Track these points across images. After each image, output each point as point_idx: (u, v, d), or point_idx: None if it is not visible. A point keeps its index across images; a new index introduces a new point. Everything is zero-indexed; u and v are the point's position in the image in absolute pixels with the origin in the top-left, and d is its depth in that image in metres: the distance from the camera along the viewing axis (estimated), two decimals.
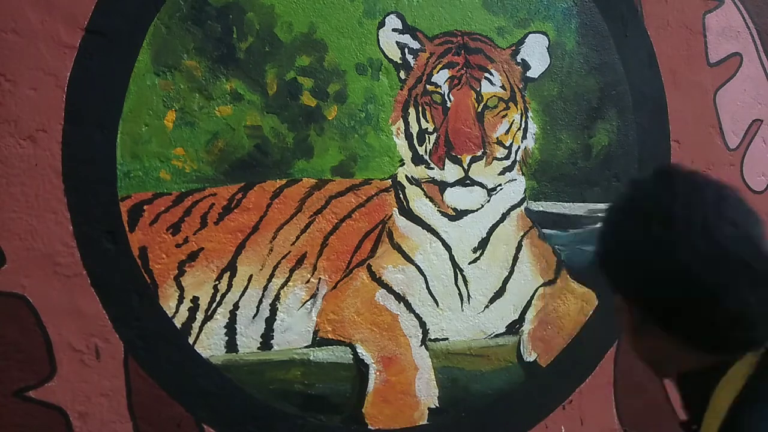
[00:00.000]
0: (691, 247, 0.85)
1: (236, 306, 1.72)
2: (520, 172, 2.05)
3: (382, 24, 1.90)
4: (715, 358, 0.89)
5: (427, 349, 1.91)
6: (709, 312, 0.85)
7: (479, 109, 1.98)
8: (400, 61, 1.91)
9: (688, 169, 0.95)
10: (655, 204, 0.90)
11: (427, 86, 1.94)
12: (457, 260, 1.96)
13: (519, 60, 2.06)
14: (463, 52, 1.98)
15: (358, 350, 1.83)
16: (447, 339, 1.94)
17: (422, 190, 1.93)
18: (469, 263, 1.98)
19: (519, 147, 2.05)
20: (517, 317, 2.04)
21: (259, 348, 1.74)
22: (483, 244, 2.00)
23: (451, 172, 1.95)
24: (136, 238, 1.62)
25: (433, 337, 1.93)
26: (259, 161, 1.75)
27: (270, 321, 1.75)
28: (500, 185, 2.01)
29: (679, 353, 0.91)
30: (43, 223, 1.53)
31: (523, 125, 2.05)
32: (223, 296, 1.71)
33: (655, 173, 0.94)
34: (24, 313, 1.51)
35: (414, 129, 1.92)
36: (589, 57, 2.18)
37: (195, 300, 1.68)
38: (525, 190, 2.06)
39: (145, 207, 1.64)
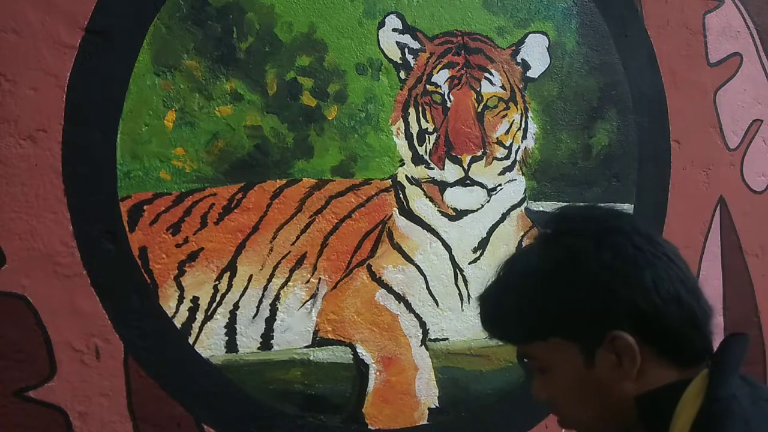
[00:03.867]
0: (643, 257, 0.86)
1: (236, 306, 1.72)
2: (520, 172, 2.05)
3: (382, 24, 1.90)
4: (678, 373, 0.86)
5: (427, 349, 1.91)
6: (673, 316, 0.85)
7: (479, 109, 1.98)
8: (400, 61, 1.91)
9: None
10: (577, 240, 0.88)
11: (427, 86, 1.94)
12: (457, 260, 1.96)
13: (519, 60, 2.06)
14: (463, 52, 1.98)
15: (358, 350, 1.83)
16: (447, 339, 1.94)
17: (422, 190, 1.93)
18: (469, 263, 1.98)
19: (519, 147, 2.05)
20: None
21: (259, 348, 1.74)
22: (483, 244, 2.00)
23: (451, 172, 1.95)
24: (136, 238, 1.62)
25: (433, 337, 1.93)
26: (259, 161, 1.75)
27: (270, 321, 1.75)
28: (500, 185, 2.01)
29: (643, 371, 0.85)
30: (43, 223, 1.53)
31: (523, 125, 2.05)
32: (223, 296, 1.71)
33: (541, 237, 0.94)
34: (24, 313, 1.51)
35: (414, 129, 1.92)
36: (589, 57, 2.18)
37: (195, 300, 1.68)
38: (525, 190, 2.06)
39: (145, 207, 1.64)
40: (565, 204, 2.11)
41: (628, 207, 2.22)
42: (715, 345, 0.90)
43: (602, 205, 0.87)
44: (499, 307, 0.94)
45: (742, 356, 0.88)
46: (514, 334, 0.95)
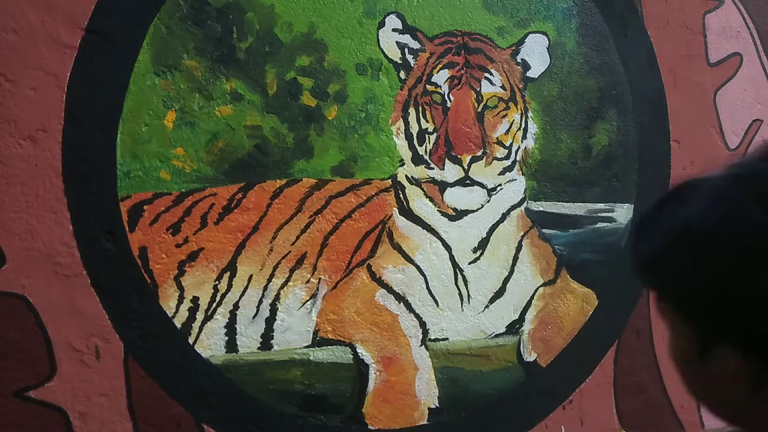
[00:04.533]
0: None
1: (236, 306, 1.72)
2: (520, 172, 2.05)
3: (382, 24, 1.90)
4: None
5: (427, 349, 1.91)
6: None
7: (479, 109, 1.98)
8: (400, 61, 1.91)
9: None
10: None
11: (427, 86, 1.94)
12: (457, 260, 1.96)
13: (519, 60, 2.06)
14: (463, 52, 1.98)
15: (358, 350, 1.83)
16: (447, 339, 1.94)
17: (422, 190, 1.93)
18: (469, 263, 1.98)
19: (519, 147, 2.05)
20: (517, 317, 2.04)
21: (259, 348, 1.74)
22: (483, 244, 2.00)
23: (451, 172, 1.95)
24: (136, 238, 1.62)
25: (433, 337, 1.93)
26: (259, 161, 1.75)
27: (270, 321, 1.75)
28: (500, 185, 2.01)
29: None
30: (43, 223, 1.53)
31: (523, 125, 2.05)
32: (223, 296, 1.71)
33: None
34: (24, 313, 1.51)
35: (414, 129, 1.92)
36: (589, 57, 2.18)
37: (195, 300, 1.68)
38: (525, 190, 2.06)
39: (145, 207, 1.64)
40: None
41: (628, 207, 2.22)
42: None
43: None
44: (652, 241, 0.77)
45: None
46: (651, 277, 0.78)
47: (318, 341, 1.79)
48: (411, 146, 1.92)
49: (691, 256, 0.71)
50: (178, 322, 1.66)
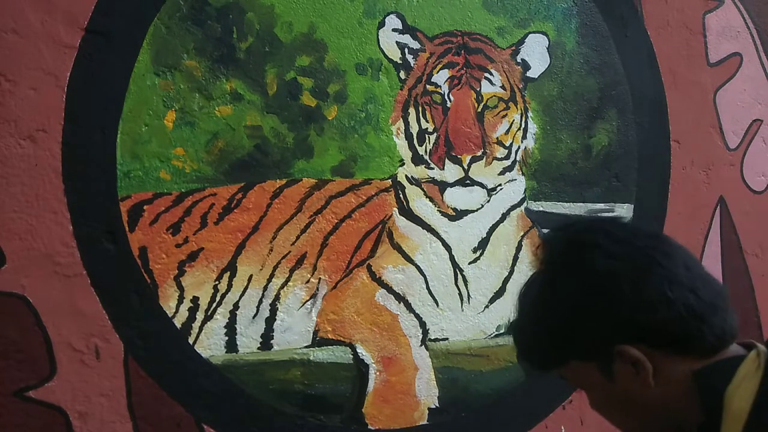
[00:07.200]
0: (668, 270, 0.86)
1: (236, 306, 1.72)
2: (520, 172, 2.05)
3: (382, 24, 1.90)
4: (699, 362, 0.87)
5: (427, 349, 1.91)
6: (666, 318, 0.85)
7: (479, 109, 1.98)
8: (400, 61, 1.91)
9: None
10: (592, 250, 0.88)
11: (427, 86, 1.94)
12: (457, 260, 1.96)
13: (519, 60, 2.06)
14: (463, 52, 1.98)
15: (358, 350, 1.83)
16: (447, 339, 1.94)
17: (422, 190, 1.93)
18: (469, 263, 1.98)
19: (519, 147, 2.05)
20: None
21: (259, 348, 1.74)
22: (483, 244, 2.00)
23: (451, 172, 1.95)
24: (136, 238, 1.62)
25: (433, 337, 1.93)
26: (259, 161, 1.75)
27: (270, 321, 1.75)
28: (500, 185, 2.01)
29: (660, 372, 0.87)
30: (43, 223, 1.53)
31: (523, 125, 2.05)
32: (223, 296, 1.71)
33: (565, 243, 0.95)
34: (24, 313, 1.51)
35: (414, 129, 1.92)
36: (589, 57, 2.18)
37: (195, 300, 1.68)
38: (525, 190, 2.06)
39: (145, 207, 1.64)
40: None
41: (628, 207, 2.22)
42: None
43: (583, 214, 0.94)
44: (521, 340, 0.99)
45: None
46: (540, 362, 0.99)
47: (318, 341, 1.79)
48: (411, 146, 1.92)
49: (547, 326, 0.92)
50: (178, 322, 1.66)
